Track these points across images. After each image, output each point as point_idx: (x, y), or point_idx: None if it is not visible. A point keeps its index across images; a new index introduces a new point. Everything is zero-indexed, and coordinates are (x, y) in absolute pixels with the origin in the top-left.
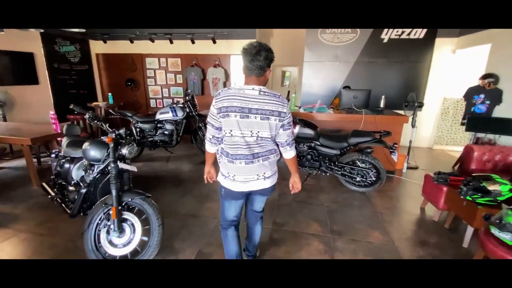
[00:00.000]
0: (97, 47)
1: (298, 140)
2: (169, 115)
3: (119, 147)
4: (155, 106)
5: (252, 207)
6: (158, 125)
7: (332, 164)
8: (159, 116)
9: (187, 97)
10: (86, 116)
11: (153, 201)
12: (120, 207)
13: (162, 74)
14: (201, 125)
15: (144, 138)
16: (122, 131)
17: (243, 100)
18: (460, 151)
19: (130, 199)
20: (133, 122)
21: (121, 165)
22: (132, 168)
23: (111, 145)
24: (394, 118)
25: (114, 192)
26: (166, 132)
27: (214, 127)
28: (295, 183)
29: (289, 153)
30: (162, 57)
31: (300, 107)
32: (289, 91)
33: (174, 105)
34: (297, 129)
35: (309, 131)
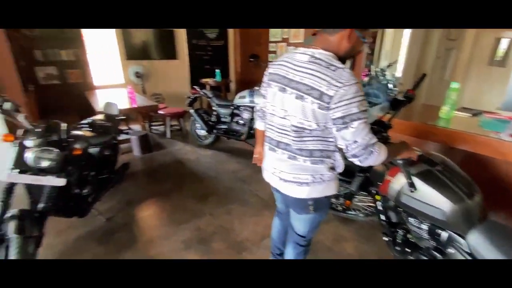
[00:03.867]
0: None
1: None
2: (245, 100)
3: (25, 149)
4: None
5: (290, 219)
6: (235, 111)
7: None
8: (237, 101)
9: None
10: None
11: (30, 246)
12: None
13: (282, 47)
14: None
15: (219, 124)
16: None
17: (288, 67)
18: None
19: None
20: (212, 104)
21: (10, 176)
22: (48, 181)
23: (14, 147)
24: None
25: None
26: (240, 121)
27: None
28: None
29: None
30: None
31: (476, 115)
32: (423, 74)
33: (255, 88)
34: (397, 186)
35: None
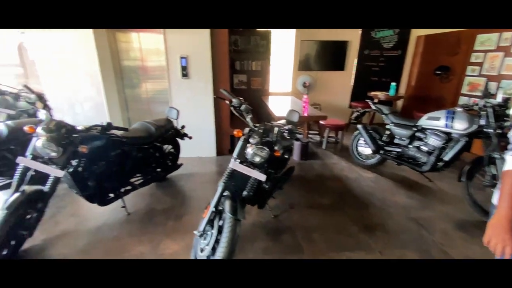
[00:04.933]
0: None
1: None
2: (438, 124)
3: (247, 145)
4: None
5: None
6: (418, 134)
7: None
8: (423, 122)
9: (489, 98)
10: (233, 102)
11: (237, 227)
12: (214, 210)
13: (496, 58)
14: (496, 156)
15: (390, 145)
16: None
17: None
18: None
19: (222, 207)
20: (386, 122)
21: (235, 164)
22: (256, 174)
23: (241, 140)
24: None
25: (218, 189)
26: (423, 148)
27: None
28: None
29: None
30: (508, 30)
31: None
32: None
33: (457, 110)
34: None
35: None
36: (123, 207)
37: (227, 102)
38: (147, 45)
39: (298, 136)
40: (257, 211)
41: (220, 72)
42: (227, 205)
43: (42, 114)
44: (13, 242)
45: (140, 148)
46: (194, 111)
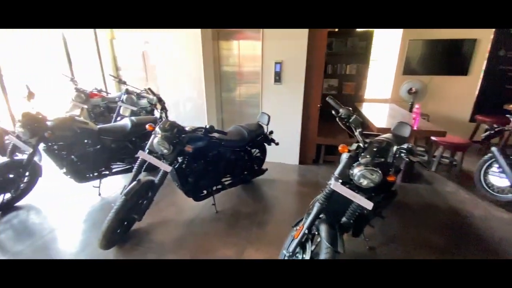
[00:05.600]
0: None
1: None
2: None
3: (353, 164)
4: None
5: None
6: None
7: None
8: None
9: None
10: (340, 113)
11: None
12: (307, 231)
13: None
14: None
15: None
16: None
17: None
18: None
19: (317, 232)
20: None
21: (337, 185)
22: (362, 201)
23: (343, 156)
24: None
25: (314, 210)
26: None
27: None
28: None
29: None
30: None
31: None
32: None
33: None
34: None
35: None
36: (213, 204)
37: (333, 112)
38: (245, 51)
39: (421, 159)
40: (349, 238)
41: (314, 77)
42: (324, 231)
43: (157, 113)
44: (125, 223)
45: (234, 150)
46: (282, 117)
